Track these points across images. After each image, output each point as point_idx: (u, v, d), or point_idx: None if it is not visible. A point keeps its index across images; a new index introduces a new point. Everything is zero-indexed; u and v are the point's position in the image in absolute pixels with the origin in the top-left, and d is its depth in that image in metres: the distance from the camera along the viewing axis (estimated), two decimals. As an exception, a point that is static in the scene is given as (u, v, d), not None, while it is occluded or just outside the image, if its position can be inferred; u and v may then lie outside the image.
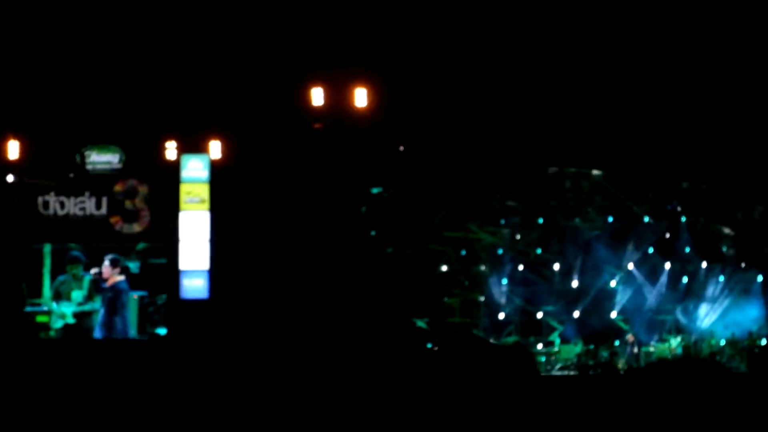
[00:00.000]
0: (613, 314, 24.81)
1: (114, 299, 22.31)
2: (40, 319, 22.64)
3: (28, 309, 22.65)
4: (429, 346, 23.40)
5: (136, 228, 22.68)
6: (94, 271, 22.43)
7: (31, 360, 18.84)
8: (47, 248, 22.92)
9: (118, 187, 22.74)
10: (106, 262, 22.24)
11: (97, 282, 22.44)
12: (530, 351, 22.75)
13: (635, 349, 23.78)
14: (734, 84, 22.56)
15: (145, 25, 22.25)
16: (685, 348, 23.85)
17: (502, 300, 24.87)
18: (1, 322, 22.38)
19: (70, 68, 22.48)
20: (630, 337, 24.15)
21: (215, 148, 22.65)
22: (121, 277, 22.21)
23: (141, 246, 22.92)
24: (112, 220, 22.70)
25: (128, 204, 22.74)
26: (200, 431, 12.55)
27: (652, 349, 24.05)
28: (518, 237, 25.07)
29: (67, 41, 22.30)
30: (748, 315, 24.62)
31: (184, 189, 22.59)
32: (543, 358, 23.83)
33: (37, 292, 22.81)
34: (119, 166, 22.81)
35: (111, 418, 13.02)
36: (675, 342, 24.21)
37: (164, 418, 13.04)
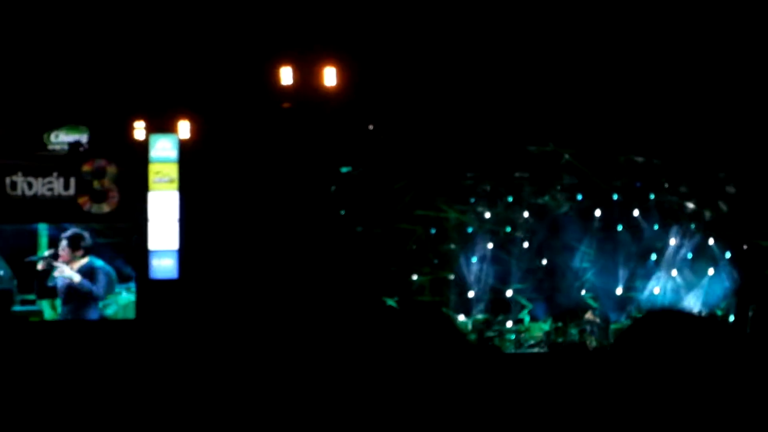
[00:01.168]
0: (583, 292, 24.91)
1: (73, 288, 21.31)
2: (35, 320, 21.73)
3: (18, 308, 21.74)
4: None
5: (105, 208, 22.59)
6: (48, 252, 21.66)
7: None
8: (43, 228, 22.31)
9: (86, 168, 22.65)
10: (64, 242, 21.44)
11: (47, 271, 21.43)
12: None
13: (596, 327, 23.88)
14: (707, 59, 22.64)
15: (112, 4, 22.11)
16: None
17: (472, 278, 24.93)
18: None
19: (37, 47, 22.33)
20: (589, 315, 24.27)
21: (184, 128, 22.60)
22: (84, 261, 21.29)
23: None
24: (81, 200, 22.60)
25: (96, 184, 22.64)
26: (171, 411, 12.54)
27: (620, 326, 24.15)
28: (488, 215, 25.11)
29: (33, 20, 22.14)
30: (716, 292, 24.78)
31: (153, 169, 22.53)
32: (512, 336, 23.92)
33: (30, 286, 21.90)
34: (87, 146, 22.71)
35: (79, 402, 12.99)
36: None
37: (134, 399, 13.02)
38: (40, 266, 21.50)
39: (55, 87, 22.50)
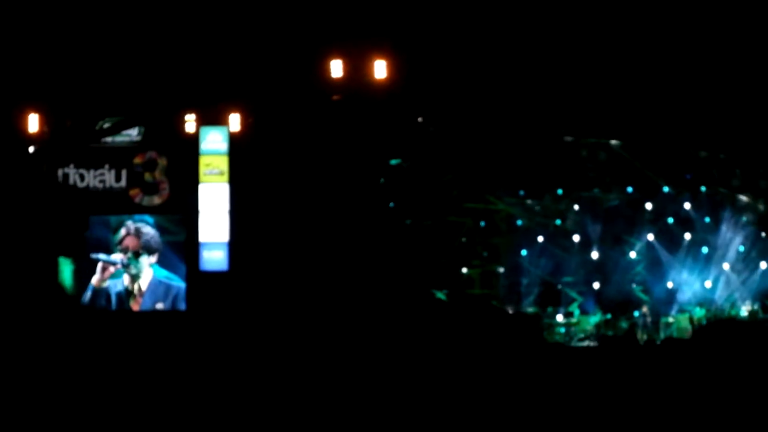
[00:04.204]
0: (633, 285, 24.78)
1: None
2: None
3: None
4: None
5: (156, 200, 22.74)
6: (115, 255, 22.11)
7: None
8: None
9: (137, 160, 22.81)
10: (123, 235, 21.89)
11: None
12: (541, 321, 22.80)
13: (649, 320, 23.76)
14: (752, 52, 22.46)
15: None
16: (708, 319, 23.80)
17: (522, 271, 24.87)
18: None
19: (90, 42, 22.48)
20: (644, 308, 24.13)
21: (234, 121, 22.67)
22: (150, 274, 21.81)
23: None
24: (132, 192, 22.76)
25: (147, 176, 22.80)
26: (221, 400, 12.61)
27: (671, 320, 24.00)
28: (537, 208, 25.04)
29: (87, 14, 22.30)
30: (768, 285, 24.61)
31: (203, 161, 22.66)
32: (563, 329, 23.83)
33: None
34: (138, 138, 22.88)
35: (133, 389, 13.09)
36: (699, 313, 24.15)
37: (185, 388, 13.11)
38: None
39: (107, 81, 22.65)
